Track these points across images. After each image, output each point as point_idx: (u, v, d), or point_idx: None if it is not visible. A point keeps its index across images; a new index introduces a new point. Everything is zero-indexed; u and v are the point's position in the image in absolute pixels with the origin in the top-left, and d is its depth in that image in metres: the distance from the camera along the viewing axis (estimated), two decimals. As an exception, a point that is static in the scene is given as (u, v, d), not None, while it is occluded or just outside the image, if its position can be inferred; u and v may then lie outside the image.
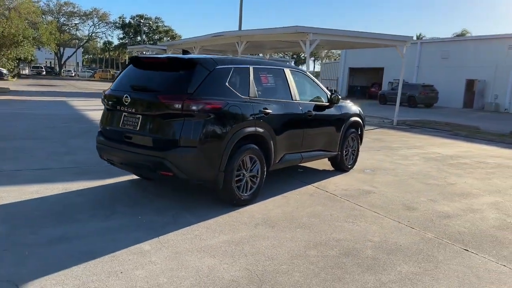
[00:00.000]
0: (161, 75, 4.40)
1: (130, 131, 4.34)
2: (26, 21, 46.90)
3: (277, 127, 4.98)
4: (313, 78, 6.20)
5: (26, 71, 57.06)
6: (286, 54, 60.20)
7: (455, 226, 4.35)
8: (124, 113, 4.42)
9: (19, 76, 48.76)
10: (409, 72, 33.39)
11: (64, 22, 57.34)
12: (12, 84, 29.87)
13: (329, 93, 6.12)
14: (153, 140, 4.16)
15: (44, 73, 59.77)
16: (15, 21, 43.35)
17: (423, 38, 46.99)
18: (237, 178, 4.51)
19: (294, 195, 5.18)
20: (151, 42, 56.39)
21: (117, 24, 62.63)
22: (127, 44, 57.60)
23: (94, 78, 55.51)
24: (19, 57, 41.28)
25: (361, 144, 7.10)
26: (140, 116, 4.27)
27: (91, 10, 58.45)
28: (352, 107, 6.80)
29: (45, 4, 54.82)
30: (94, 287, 2.76)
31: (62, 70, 59.02)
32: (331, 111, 6.06)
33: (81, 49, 64.73)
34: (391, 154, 8.62)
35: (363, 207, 4.86)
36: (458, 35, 51.86)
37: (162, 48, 27.69)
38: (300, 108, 5.41)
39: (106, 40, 65.33)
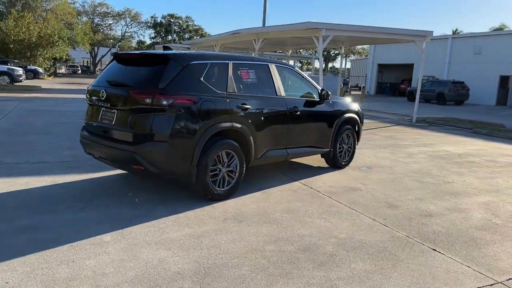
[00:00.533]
0: (136, 71, 4.49)
1: (107, 126, 4.46)
2: (62, 22, 48.82)
3: (258, 122, 4.97)
4: (303, 74, 6.13)
5: (63, 70, 59.33)
6: (310, 51, 59.58)
7: (433, 225, 4.21)
8: (102, 108, 4.55)
9: (55, 75, 50.73)
10: (439, 68, 32.33)
11: (98, 22, 59.14)
12: (47, 82, 31.08)
13: (320, 89, 6.03)
14: (126, 135, 4.25)
15: (80, 72, 61.98)
16: (52, 22, 45.20)
17: (460, 34, 45.21)
18: (212, 173, 4.54)
19: (276, 191, 5.16)
20: (181, 41, 57.25)
21: (148, 24, 64.04)
22: (158, 43, 58.73)
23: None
24: (54, 56, 43.04)
25: (358, 141, 6.97)
26: (116, 111, 4.38)
27: (123, 10, 60.02)
28: (348, 103, 6.69)
29: (80, 5, 56.75)
30: (41, 274, 2.87)
31: (96, 69, 60.90)
32: (322, 107, 5.99)
33: (116, 49, 66.61)
34: (396, 152, 8.40)
35: (343, 204, 4.78)
36: (495, 30, 49.65)
37: (185, 47, 28.08)
38: (285, 103, 5.37)
39: (138, 39, 66.74)
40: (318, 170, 6.39)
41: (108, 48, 61.09)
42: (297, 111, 5.52)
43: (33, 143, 7.46)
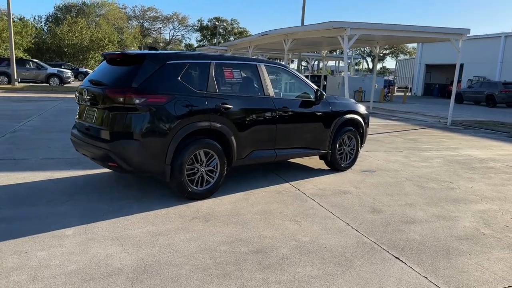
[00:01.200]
0: (116, 70, 4.61)
1: (89, 124, 4.62)
2: (114, 27, 51.23)
3: (241, 122, 4.94)
4: (298, 74, 6.03)
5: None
6: (357, 52, 58.28)
7: (410, 233, 3.98)
8: (86, 107, 4.72)
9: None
10: (491, 68, 30.51)
11: (147, 27, 61.39)
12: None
13: (315, 89, 5.90)
14: (102, 132, 4.39)
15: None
16: (103, 26, 47.56)
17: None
18: (189, 172, 4.57)
19: (261, 192, 5.10)
20: (220, 44, 58.14)
21: (195, 27, 65.60)
22: (204, 46, 60.06)
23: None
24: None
25: (363, 143, 6.72)
26: (95, 110, 4.53)
27: (171, 14, 61.92)
28: (350, 104, 6.50)
29: (131, 10, 59.24)
30: (-10, 263, 3.02)
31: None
32: (317, 107, 5.84)
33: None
34: (411, 155, 8.02)
35: (323, 207, 4.64)
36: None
37: (223, 49, 28.48)
38: (273, 103, 5.30)
39: (185, 42, 68.53)
40: (316, 172, 6.24)
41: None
42: (287, 111, 5.43)
43: (52, 140, 7.88)
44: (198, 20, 66.37)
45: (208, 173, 4.75)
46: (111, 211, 4.22)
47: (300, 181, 5.68)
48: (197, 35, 68.06)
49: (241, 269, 3.10)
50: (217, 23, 58.72)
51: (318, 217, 4.32)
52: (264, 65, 5.45)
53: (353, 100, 6.79)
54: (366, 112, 6.78)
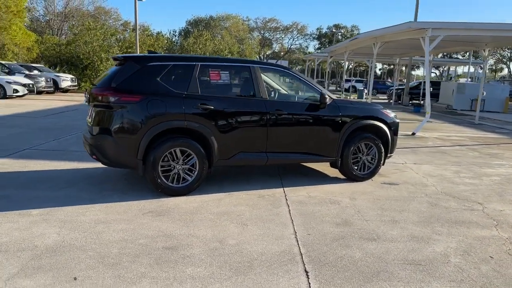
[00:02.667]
0: (110, 72, 5.06)
1: (89, 123, 5.15)
2: (236, 38, 54.57)
3: (224, 123, 4.97)
4: (302, 77, 5.78)
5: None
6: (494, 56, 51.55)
7: (354, 250, 3.56)
8: (91, 107, 5.28)
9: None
10: None
11: (268, 37, 63.82)
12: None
13: (322, 92, 5.59)
14: (90, 128, 4.87)
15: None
16: (226, 38, 51.01)
17: None
18: (165, 169, 4.78)
19: (243, 194, 5.05)
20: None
21: (313, 35, 65.92)
22: (313, 54, 60.13)
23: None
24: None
25: (390, 152, 6.11)
26: (91, 108, 5.04)
27: (291, 24, 63.32)
28: (369, 109, 6.00)
29: (253, 21, 62.31)
30: (-50, 229, 3.65)
31: (264, 80, 65.74)
32: (322, 111, 5.52)
33: (284, 61, 70.70)
34: (466, 171, 6.96)
35: (291, 214, 4.40)
36: None
37: (324, 55, 28.11)
38: (264, 106, 5.20)
39: (303, 51, 69.27)
40: (327, 180, 5.89)
41: (275, 61, 65.17)
42: (281, 114, 5.27)
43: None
44: (317, 29, 66.62)
45: (186, 171, 4.89)
46: (90, 199, 4.65)
47: (298, 187, 5.43)
48: (315, 43, 68.22)
49: (134, 262, 3.18)
50: (334, 30, 58.13)
51: (273, 223, 4.12)
52: (260, 67, 5.38)
53: (379, 106, 6.22)
54: (394, 120, 6.14)
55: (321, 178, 6.01)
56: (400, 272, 3.17)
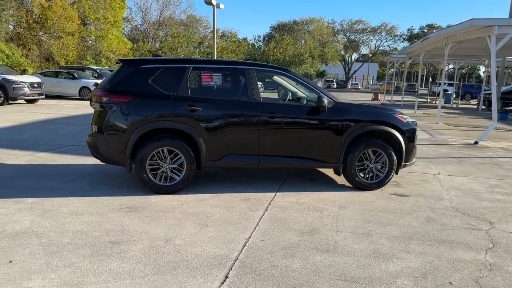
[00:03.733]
0: (111, 74, 5.40)
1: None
2: (318, 42, 54.00)
3: (212, 125, 5.02)
4: (302, 79, 5.58)
5: (319, 85, 65.37)
6: None
7: (297, 261, 3.37)
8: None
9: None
10: None
11: (354, 39, 62.08)
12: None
13: (322, 95, 5.35)
14: (91, 127, 5.25)
15: (335, 86, 66.62)
16: (308, 42, 50.79)
17: None
18: (152, 167, 4.97)
19: (228, 197, 5.03)
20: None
21: (403, 36, 62.57)
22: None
23: (379, 90, 57.30)
24: (304, 72, 48.16)
25: (405, 161, 5.63)
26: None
27: (379, 25, 60.85)
28: (380, 113, 5.58)
29: (339, 24, 61.11)
30: (-49, 210, 4.22)
31: (349, 83, 64.13)
32: (322, 114, 5.28)
33: (373, 63, 68.16)
34: (508, 187, 6.11)
35: (263, 219, 4.30)
36: None
37: (402, 56, 26.50)
38: (256, 108, 5.14)
39: (392, 53, 66.06)
40: (331, 187, 5.61)
41: (361, 63, 63.18)
42: (274, 117, 5.17)
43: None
44: (408, 29, 63.13)
45: (174, 170, 5.03)
46: (85, 191, 5.02)
47: (292, 193, 5.27)
48: (406, 44, 64.62)
49: (72, 252, 3.38)
50: (426, 30, 54.54)
51: (235, 226, 4.06)
52: (255, 69, 5.33)
53: (392, 110, 5.77)
54: (410, 126, 5.64)
55: (326, 185, 5.74)
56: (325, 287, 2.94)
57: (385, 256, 3.51)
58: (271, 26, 57.37)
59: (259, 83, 6.08)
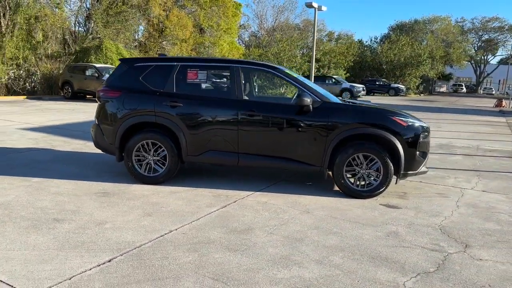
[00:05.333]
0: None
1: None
2: (443, 43, 49.56)
3: (192, 121, 5.20)
4: (292, 78, 5.34)
5: (443, 89, 59.77)
6: None
7: (173, 254, 3.37)
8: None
9: (430, 93, 52.10)
10: None
11: (488, 39, 55.37)
12: (395, 99, 33.10)
13: (312, 94, 5.12)
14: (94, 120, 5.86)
15: (464, 90, 60.15)
16: (430, 42, 47.07)
17: None
18: (138, 158, 5.36)
19: (203, 191, 5.13)
20: None
21: (553, 34, 53.53)
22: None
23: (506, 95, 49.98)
24: (422, 74, 44.61)
25: (405, 169, 5.05)
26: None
27: (520, 23, 53.16)
28: (371, 114, 5.12)
29: (470, 22, 55.13)
30: (-27, 182, 5.18)
31: (479, 87, 57.43)
32: (307, 114, 5.04)
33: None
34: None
35: (209, 215, 4.33)
36: None
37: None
38: (237, 106, 5.15)
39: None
40: (319, 192, 5.29)
41: (496, 65, 56.05)
42: (253, 115, 5.12)
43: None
44: None
45: (158, 162, 5.34)
46: (86, 176, 5.63)
47: (270, 194, 5.14)
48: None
49: (13, 223, 3.87)
50: None
51: (176, 218, 4.17)
52: (241, 67, 5.33)
53: (395, 112, 5.19)
54: (412, 130, 5.02)
55: (320, 190, 5.41)
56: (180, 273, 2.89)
57: (287, 263, 3.27)
58: (389, 27, 54.55)
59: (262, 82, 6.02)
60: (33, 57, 22.13)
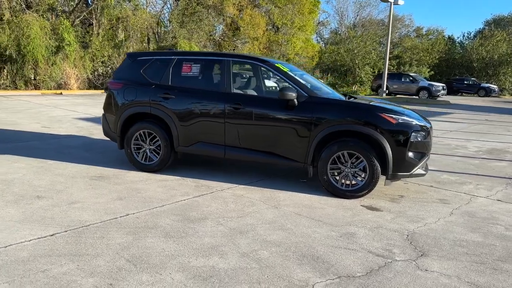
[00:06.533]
0: (120, 66, 6.30)
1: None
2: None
3: (183, 113, 5.38)
4: (281, 71, 5.22)
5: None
6: None
7: (103, 235, 3.54)
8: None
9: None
10: None
11: None
12: (475, 100, 30.26)
13: (299, 89, 5.01)
14: (104, 110, 6.31)
15: None
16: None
17: None
18: (137, 146, 5.69)
19: (190, 181, 5.27)
20: None
21: None
22: None
23: None
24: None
25: (394, 170, 4.73)
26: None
27: None
28: (358, 109, 4.86)
29: None
30: (-1, 161, 5.92)
31: None
32: (291, 109, 4.94)
33: None
34: None
35: (173, 204, 4.49)
36: None
37: None
38: (223, 99, 5.22)
39: None
40: (309, 190, 5.13)
41: None
42: (238, 109, 5.15)
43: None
44: None
45: (153, 151, 5.61)
46: (94, 160, 6.11)
47: (253, 188, 5.12)
48: None
49: (3, 196, 4.37)
50: None
51: (143, 204, 4.33)
52: (232, 60, 5.37)
53: (385, 108, 4.85)
54: (401, 128, 4.67)
55: (309, 188, 5.24)
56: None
57: (211, 253, 3.27)
58: (484, 21, 49.78)
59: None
60: (116, 55, 24.13)
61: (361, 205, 4.65)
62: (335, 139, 4.84)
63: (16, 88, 18.33)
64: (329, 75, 35.46)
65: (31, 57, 18.48)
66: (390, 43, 42.45)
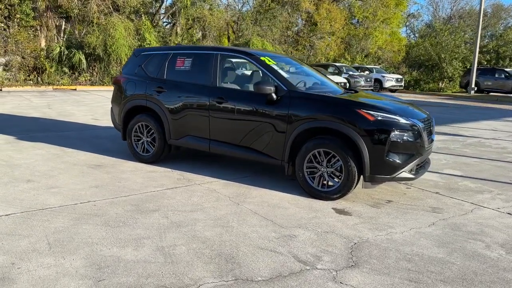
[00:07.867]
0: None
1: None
2: None
3: (174, 106, 5.49)
4: (264, 65, 5.00)
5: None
6: None
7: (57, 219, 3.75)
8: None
9: None
10: None
11: None
12: None
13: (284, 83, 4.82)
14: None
15: None
16: None
17: None
18: (137, 138, 5.95)
19: (174, 174, 5.35)
20: None
21: None
22: None
23: None
24: None
25: (371, 172, 4.31)
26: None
27: None
28: (336, 104, 4.51)
29: None
30: None
31: None
32: (270, 104, 4.75)
33: None
34: None
35: (139, 191, 4.63)
36: None
37: None
38: (208, 92, 5.22)
39: None
40: (289, 190, 4.94)
41: None
42: (221, 103, 5.10)
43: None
44: None
45: (149, 144, 5.82)
46: (101, 149, 6.51)
47: (233, 183, 5.03)
48: None
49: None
50: None
51: (115, 192, 4.51)
52: (219, 54, 5.32)
53: (365, 103, 4.42)
54: (380, 126, 4.22)
55: (292, 187, 5.02)
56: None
57: (127, 244, 3.30)
58: None
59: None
60: (192, 52, 25.21)
61: (332, 208, 4.31)
62: (314, 136, 4.54)
63: (102, 85, 20.15)
64: (415, 70, 33.16)
65: (115, 56, 20.16)
66: (489, 36, 38.45)
